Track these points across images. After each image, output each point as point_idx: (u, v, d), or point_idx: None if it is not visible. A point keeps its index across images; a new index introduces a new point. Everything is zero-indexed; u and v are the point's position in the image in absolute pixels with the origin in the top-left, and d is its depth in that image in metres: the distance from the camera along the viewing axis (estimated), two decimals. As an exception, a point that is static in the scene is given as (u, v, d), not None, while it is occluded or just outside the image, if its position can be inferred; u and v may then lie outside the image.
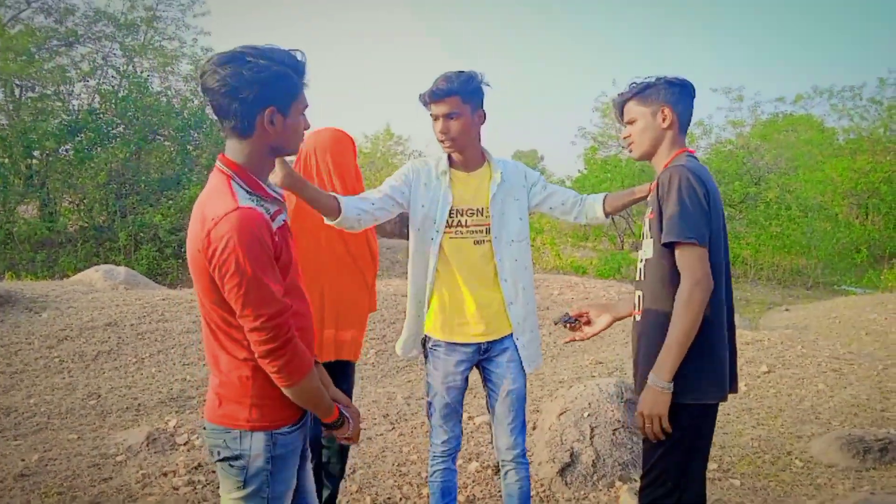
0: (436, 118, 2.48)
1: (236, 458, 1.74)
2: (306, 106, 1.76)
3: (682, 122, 2.21)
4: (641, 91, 2.22)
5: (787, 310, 9.47)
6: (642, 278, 2.18)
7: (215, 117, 1.71)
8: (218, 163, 1.72)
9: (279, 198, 1.79)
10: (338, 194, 2.39)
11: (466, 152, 2.56)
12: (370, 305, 2.88)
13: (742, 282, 13.59)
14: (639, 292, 2.20)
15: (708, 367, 2.04)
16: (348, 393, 2.74)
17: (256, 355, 1.65)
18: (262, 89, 1.62)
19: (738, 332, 7.08)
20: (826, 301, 9.68)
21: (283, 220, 1.77)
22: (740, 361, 5.44)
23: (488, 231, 2.56)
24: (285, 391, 1.70)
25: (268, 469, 1.75)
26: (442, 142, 2.50)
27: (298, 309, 1.77)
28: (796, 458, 3.86)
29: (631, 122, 2.24)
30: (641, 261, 2.20)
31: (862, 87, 19.57)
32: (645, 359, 2.10)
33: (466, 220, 2.55)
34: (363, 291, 2.77)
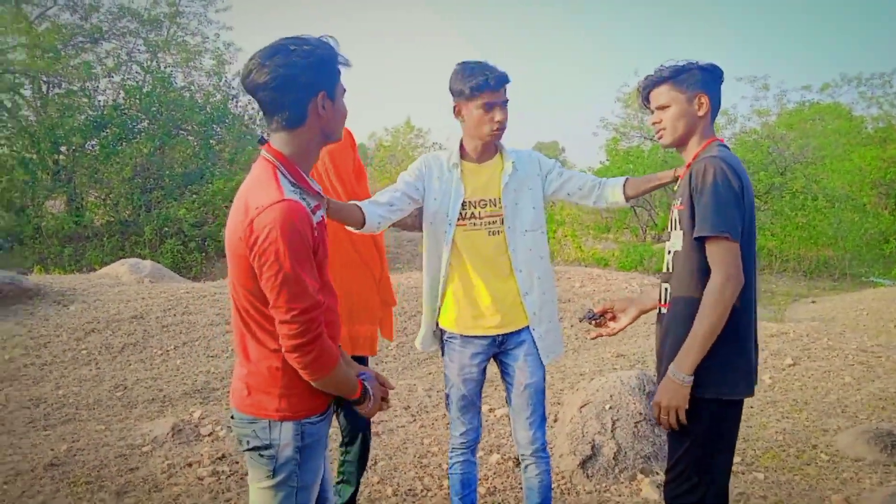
0: (493, 105, 2.43)
1: (266, 447, 1.75)
2: (345, 90, 1.78)
3: (714, 109, 2.15)
4: (675, 75, 2.12)
5: (813, 302, 9.34)
6: (670, 270, 2.13)
7: (264, 114, 1.73)
8: (264, 152, 1.73)
9: (320, 193, 1.81)
10: (359, 202, 2.38)
11: (491, 142, 2.56)
12: (385, 299, 2.86)
13: (767, 273, 13.41)
14: (665, 285, 2.15)
15: (736, 363, 2.01)
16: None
17: (284, 349, 1.65)
18: (315, 74, 1.65)
19: (763, 324, 6.96)
20: (853, 293, 9.53)
21: (322, 217, 1.78)
22: (765, 354, 5.38)
23: (502, 222, 2.54)
24: (313, 384, 1.72)
25: (297, 458, 1.76)
26: (495, 131, 2.47)
27: (330, 304, 1.78)
28: (822, 451, 3.81)
29: (662, 108, 2.15)
30: (669, 252, 2.15)
31: (892, 75, 19.21)
32: (671, 352, 2.06)
33: (480, 212, 2.54)
34: (372, 288, 2.75)
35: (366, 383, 1.87)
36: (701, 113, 2.11)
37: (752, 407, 4.45)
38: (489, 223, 2.54)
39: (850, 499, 3.27)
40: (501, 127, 2.47)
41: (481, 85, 2.40)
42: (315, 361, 1.65)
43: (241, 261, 1.64)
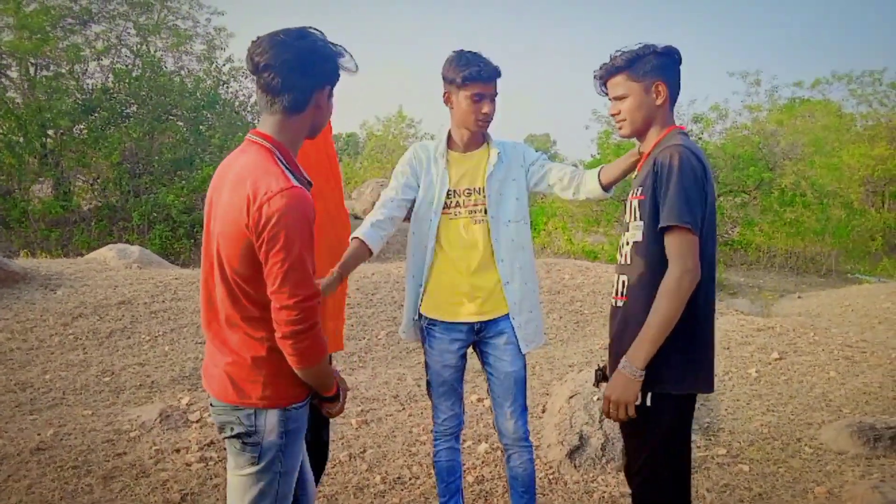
0: (482, 97, 2.46)
1: (249, 434, 1.76)
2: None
3: (673, 96, 2.08)
4: (630, 64, 2.04)
5: (799, 297, 9.42)
6: (628, 262, 2.07)
7: (266, 94, 1.72)
8: (254, 137, 1.74)
9: (310, 182, 1.82)
10: (360, 234, 2.44)
11: (477, 133, 2.58)
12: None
13: (755, 269, 13.53)
14: (623, 276, 2.08)
15: (701, 357, 1.97)
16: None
17: (278, 335, 1.65)
18: (330, 66, 1.73)
19: (749, 318, 6.98)
20: (839, 289, 9.62)
21: None
22: (751, 348, 5.43)
23: (485, 211, 2.57)
24: (298, 372, 1.72)
25: (281, 444, 1.77)
26: (481, 121, 2.49)
27: None
28: (806, 444, 3.85)
29: (619, 98, 2.09)
30: (627, 244, 2.08)
31: (883, 72, 19.35)
32: None
33: (464, 200, 2.57)
34: (345, 283, 2.66)
35: (339, 384, 1.90)
36: (659, 102, 2.04)
37: (737, 400, 4.50)
38: (472, 211, 2.57)
39: (833, 491, 3.31)
40: (487, 119, 2.50)
41: (473, 75, 2.43)
42: (308, 349, 1.66)
43: (238, 244, 1.64)
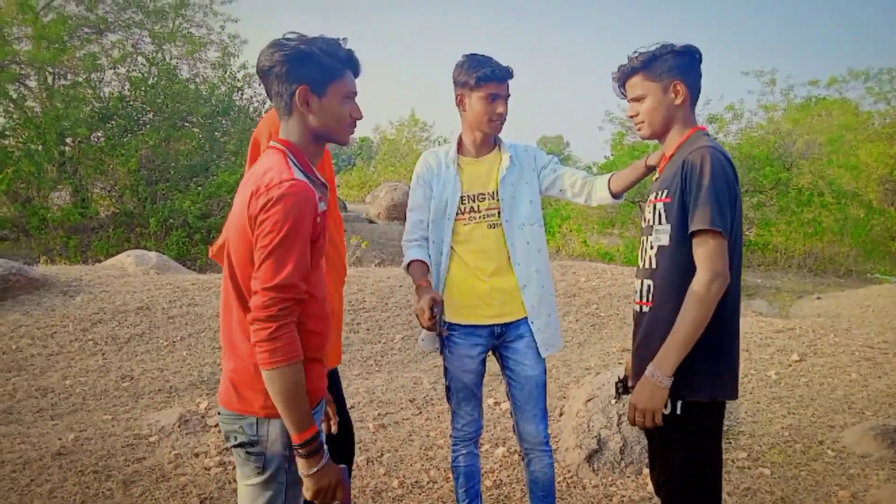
0: (496, 97, 2.47)
1: (252, 444, 1.73)
2: (352, 92, 1.79)
3: (694, 95, 2.05)
4: (647, 64, 2.02)
5: (818, 298, 9.30)
6: (653, 266, 2.03)
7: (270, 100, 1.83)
8: (273, 142, 1.79)
9: (326, 185, 1.82)
10: (415, 256, 2.56)
11: (490, 135, 2.58)
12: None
13: (773, 269, 13.39)
14: (648, 281, 2.05)
15: (728, 364, 1.95)
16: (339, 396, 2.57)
17: (249, 318, 1.61)
18: (290, 68, 1.71)
19: (768, 320, 6.90)
20: (859, 289, 9.48)
21: (323, 209, 1.77)
22: (771, 350, 5.37)
23: (500, 215, 2.57)
24: (264, 374, 1.61)
25: (286, 455, 1.73)
26: (495, 122, 2.51)
27: (317, 299, 1.74)
28: (828, 447, 3.80)
29: (637, 100, 2.07)
30: (653, 247, 2.04)
31: (901, 70, 19.08)
32: None
33: (479, 206, 2.58)
34: (341, 284, 2.56)
35: (322, 437, 1.70)
36: (678, 101, 2.02)
37: (758, 402, 4.45)
38: (487, 216, 2.58)
39: (856, 495, 3.26)
40: (501, 120, 2.51)
41: (487, 76, 2.44)
42: (272, 340, 1.58)
43: (244, 240, 1.65)
